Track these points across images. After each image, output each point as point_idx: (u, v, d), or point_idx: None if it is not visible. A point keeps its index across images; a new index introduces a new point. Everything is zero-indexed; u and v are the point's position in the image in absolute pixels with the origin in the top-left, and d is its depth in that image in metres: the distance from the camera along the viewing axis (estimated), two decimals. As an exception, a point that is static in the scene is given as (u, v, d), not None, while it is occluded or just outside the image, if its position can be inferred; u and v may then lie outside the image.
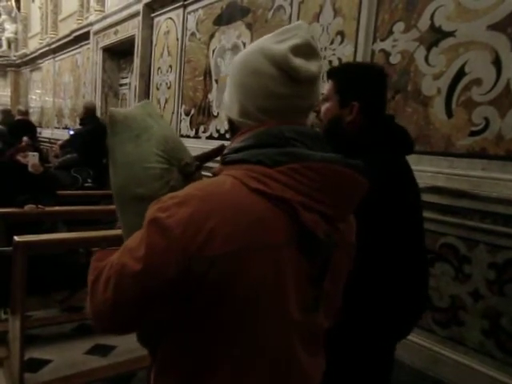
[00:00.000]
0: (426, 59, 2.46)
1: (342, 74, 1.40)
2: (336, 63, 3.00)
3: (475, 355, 2.16)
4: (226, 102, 0.85)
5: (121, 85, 7.17)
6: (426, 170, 2.36)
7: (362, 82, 1.35)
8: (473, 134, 2.24)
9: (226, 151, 0.80)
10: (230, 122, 0.85)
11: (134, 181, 0.93)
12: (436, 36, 2.40)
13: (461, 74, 2.29)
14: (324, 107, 1.38)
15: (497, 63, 2.13)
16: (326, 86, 1.38)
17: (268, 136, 0.74)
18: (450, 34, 2.33)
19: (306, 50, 0.75)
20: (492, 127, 2.15)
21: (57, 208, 3.47)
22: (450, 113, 2.35)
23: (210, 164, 1.07)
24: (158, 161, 0.93)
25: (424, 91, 2.47)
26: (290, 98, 0.76)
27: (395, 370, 2.33)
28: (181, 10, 4.88)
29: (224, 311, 0.69)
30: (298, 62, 0.73)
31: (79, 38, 7.68)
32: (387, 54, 2.67)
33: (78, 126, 6.19)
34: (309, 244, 0.72)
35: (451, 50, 2.33)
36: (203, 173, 1.05)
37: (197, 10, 4.65)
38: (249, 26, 3.91)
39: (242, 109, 0.79)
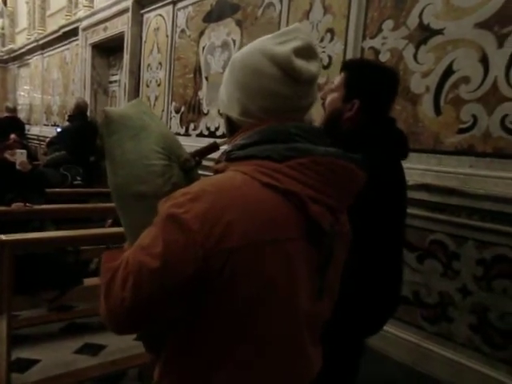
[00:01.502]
0: (415, 57, 2.47)
1: (354, 69, 1.40)
2: (326, 61, 3.00)
3: (463, 350, 2.18)
4: (223, 102, 0.86)
5: (110, 82, 7.10)
6: (415, 168, 2.38)
7: (369, 82, 1.35)
8: (461, 131, 2.26)
9: (229, 148, 0.81)
10: (229, 120, 0.86)
11: (135, 179, 0.93)
12: (425, 34, 2.42)
13: (449, 71, 2.31)
14: (330, 97, 1.39)
15: (484, 61, 2.15)
16: (338, 77, 1.39)
17: (274, 132, 0.76)
18: (439, 31, 2.35)
19: (307, 52, 0.78)
20: (480, 124, 2.17)
21: (45, 206, 3.41)
22: (438, 110, 2.37)
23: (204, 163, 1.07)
24: (158, 158, 0.94)
25: (413, 89, 2.49)
26: (291, 97, 0.78)
27: (384, 365, 2.36)
28: (170, 7, 4.85)
29: (237, 305, 0.70)
30: (300, 63, 0.76)
31: (68, 34, 7.57)
32: (377, 52, 2.68)
33: (66, 123, 6.12)
34: (316, 236, 0.74)
35: (439, 47, 2.35)
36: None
37: (186, 6, 4.62)
38: (239, 23, 3.89)
39: (243, 108, 0.81)
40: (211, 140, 1.08)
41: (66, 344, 2.79)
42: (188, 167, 1.00)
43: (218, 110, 4.02)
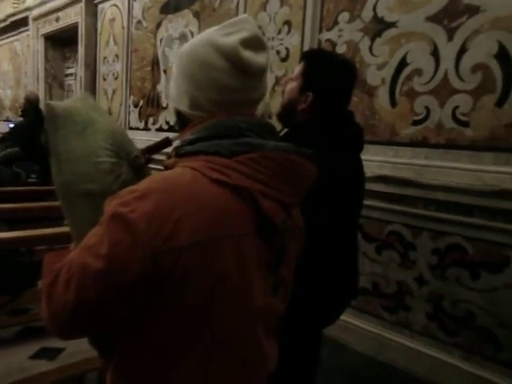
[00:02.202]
0: (371, 49, 2.49)
1: (312, 59, 1.39)
2: (284, 53, 2.98)
3: (420, 338, 2.24)
4: (173, 95, 0.84)
5: (66, 75, 6.81)
6: (372, 160, 2.40)
7: (325, 76, 1.34)
8: (415, 123, 2.30)
9: (179, 143, 0.79)
10: (179, 114, 0.84)
11: (82, 177, 0.89)
12: (379, 26, 2.43)
13: (403, 64, 2.33)
14: (289, 86, 1.38)
15: (435, 54, 2.19)
16: (298, 66, 1.38)
17: (222, 127, 0.75)
18: (392, 24, 2.37)
19: (255, 43, 0.76)
20: (432, 116, 2.22)
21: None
22: (394, 102, 2.40)
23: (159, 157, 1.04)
24: (107, 155, 0.91)
25: (369, 81, 2.51)
26: (240, 90, 0.77)
27: (345, 356, 2.40)
28: (126, -3, 4.68)
29: (190, 304, 0.68)
30: (248, 54, 0.75)
31: (17, 24, 7.17)
32: (333, 44, 2.68)
33: (19, 119, 5.84)
34: (268, 231, 0.73)
35: (394, 40, 2.37)
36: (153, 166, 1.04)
37: (142, -4, 4.48)
38: (196, 15, 3.80)
39: (193, 101, 0.79)
40: (172, 134, 1.06)
41: (21, 349, 2.67)
42: (138, 164, 0.98)
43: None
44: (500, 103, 1.98)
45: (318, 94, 1.32)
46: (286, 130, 1.43)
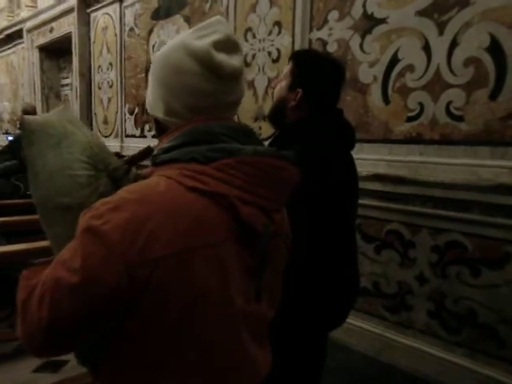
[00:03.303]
0: (361, 47, 2.46)
1: (300, 58, 1.40)
2: (275, 54, 2.96)
3: (423, 337, 2.21)
4: (149, 101, 0.83)
5: (62, 85, 6.81)
6: (367, 158, 2.38)
7: (312, 72, 1.34)
8: (409, 119, 2.27)
9: (155, 152, 0.77)
10: (156, 121, 0.83)
11: (58, 190, 0.89)
12: (369, 23, 2.41)
13: (394, 60, 2.31)
14: (278, 86, 1.39)
15: (427, 49, 2.16)
16: (287, 66, 1.39)
17: (198, 133, 0.73)
18: (382, 20, 2.34)
19: (228, 45, 0.75)
20: (426, 112, 2.19)
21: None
22: (386, 99, 2.37)
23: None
24: (83, 167, 0.90)
25: (361, 79, 2.48)
26: (215, 94, 0.75)
27: (348, 357, 2.37)
28: (117, 5, 4.67)
29: (169, 315, 0.67)
30: (221, 57, 0.73)
31: (12, 37, 7.18)
32: (324, 43, 2.66)
33: (18, 131, 5.84)
34: (249, 237, 0.72)
35: (384, 36, 2.34)
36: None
37: (133, 4, 4.47)
38: (187, 19, 3.79)
39: (168, 107, 0.78)
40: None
41: (24, 362, 2.65)
42: (117, 176, 0.96)
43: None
44: (494, 96, 1.95)
45: (307, 90, 1.32)
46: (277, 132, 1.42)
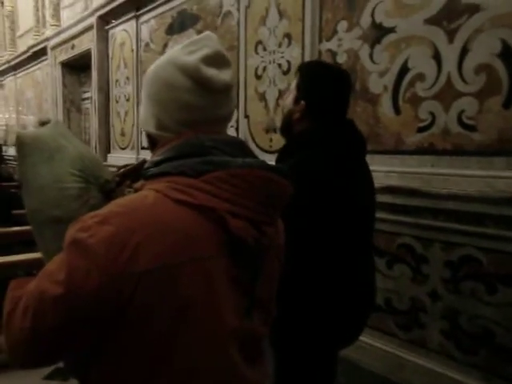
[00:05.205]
0: (371, 57, 2.42)
1: (304, 70, 1.40)
2: (286, 66, 2.94)
3: (436, 357, 2.10)
4: (141, 117, 0.84)
5: (83, 99, 7.00)
6: (379, 170, 2.30)
7: (312, 83, 1.34)
8: (420, 130, 2.20)
9: (146, 165, 0.78)
10: (149, 135, 0.84)
11: (49, 203, 0.91)
12: (378, 33, 2.37)
13: (404, 69, 2.25)
14: (287, 100, 1.40)
15: (437, 57, 2.10)
16: (295, 79, 1.40)
17: (188, 146, 0.73)
18: (391, 30, 2.30)
19: (217, 60, 0.76)
20: (438, 122, 2.12)
21: (13, 228, 3.30)
22: (397, 110, 2.31)
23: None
24: (74, 180, 0.92)
25: (372, 89, 2.43)
26: (206, 108, 0.76)
27: (358, 375, 2.28)
28: (133, 21, 4.78)
29: (154, 331, 0.66)
30: (211, 72, 0.74)
31: (38, 54, 7.47)
32: (334, 54, 2.63)
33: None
34: (239, 251, 0.71)
35: (393, 46, 2.29)
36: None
37: (149, 20, 4.56)
38: (200, 33, 3.82)
39: (159, 122, 0.79)
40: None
41: (34, 370, 2.66)
42: (108, 188, 0.98)
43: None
44: (507, 104, 1.87)
45: (310, 101, 1.31)
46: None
